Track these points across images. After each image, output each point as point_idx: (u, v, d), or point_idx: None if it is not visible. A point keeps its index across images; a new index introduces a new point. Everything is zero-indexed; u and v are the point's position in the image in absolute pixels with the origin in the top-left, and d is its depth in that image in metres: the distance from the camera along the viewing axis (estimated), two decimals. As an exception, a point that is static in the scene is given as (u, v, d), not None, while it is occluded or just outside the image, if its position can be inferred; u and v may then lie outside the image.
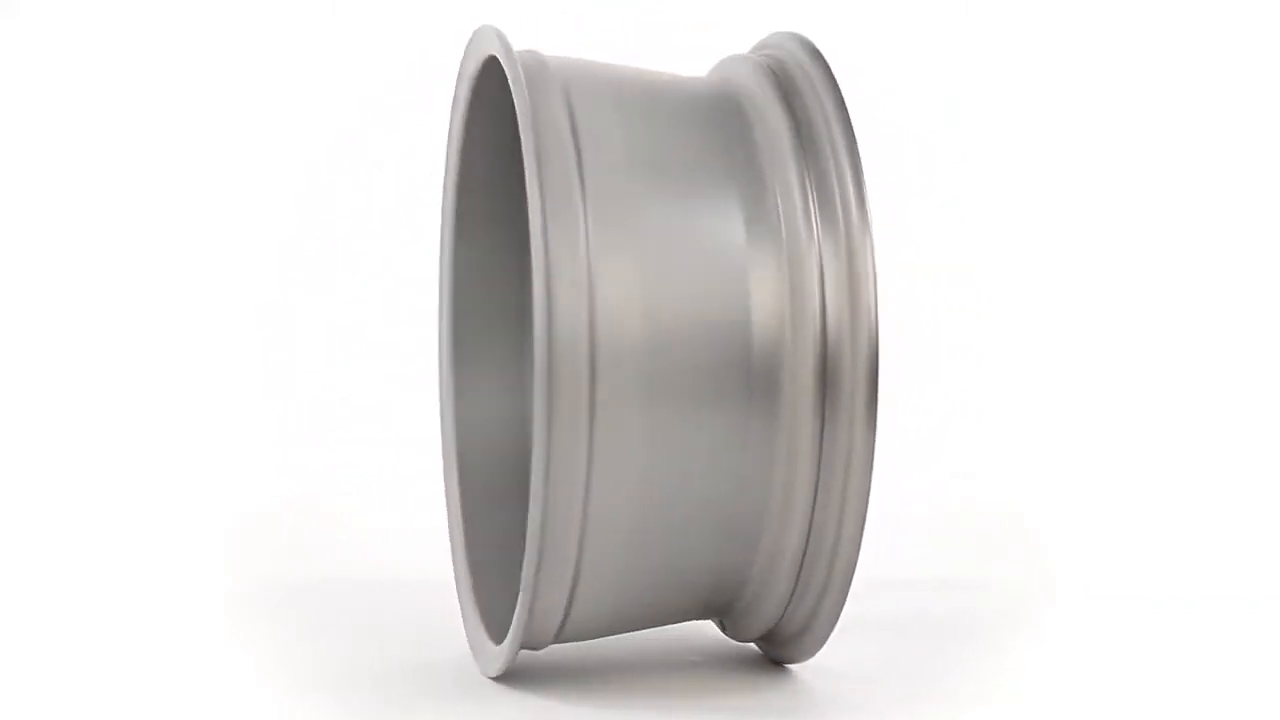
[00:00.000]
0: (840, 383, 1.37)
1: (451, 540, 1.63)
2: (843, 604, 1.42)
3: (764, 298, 1.38)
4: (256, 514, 2.15)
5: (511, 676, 1.50)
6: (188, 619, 1.72)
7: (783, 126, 1.43)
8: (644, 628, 1.51)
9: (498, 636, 1.50)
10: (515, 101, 1.41)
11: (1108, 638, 1.66)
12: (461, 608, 1.58)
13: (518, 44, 1.53)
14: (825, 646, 1.52)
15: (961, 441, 2.33)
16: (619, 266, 1.37)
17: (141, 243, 2.59)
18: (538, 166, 1.38)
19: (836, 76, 1.42)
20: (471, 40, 1.56)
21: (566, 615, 1.44)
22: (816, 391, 1.37)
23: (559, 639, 1.48)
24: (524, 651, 1.52)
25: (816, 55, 1.46)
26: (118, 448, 2.36)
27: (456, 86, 1.59)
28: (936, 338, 2.46)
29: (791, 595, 1.45)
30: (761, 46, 1.54)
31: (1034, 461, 2.33)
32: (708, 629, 1.63)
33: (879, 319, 1.37)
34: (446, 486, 1.66)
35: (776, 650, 1.52)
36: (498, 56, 1.47)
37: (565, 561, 1.39)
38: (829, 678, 1.53)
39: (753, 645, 1.58)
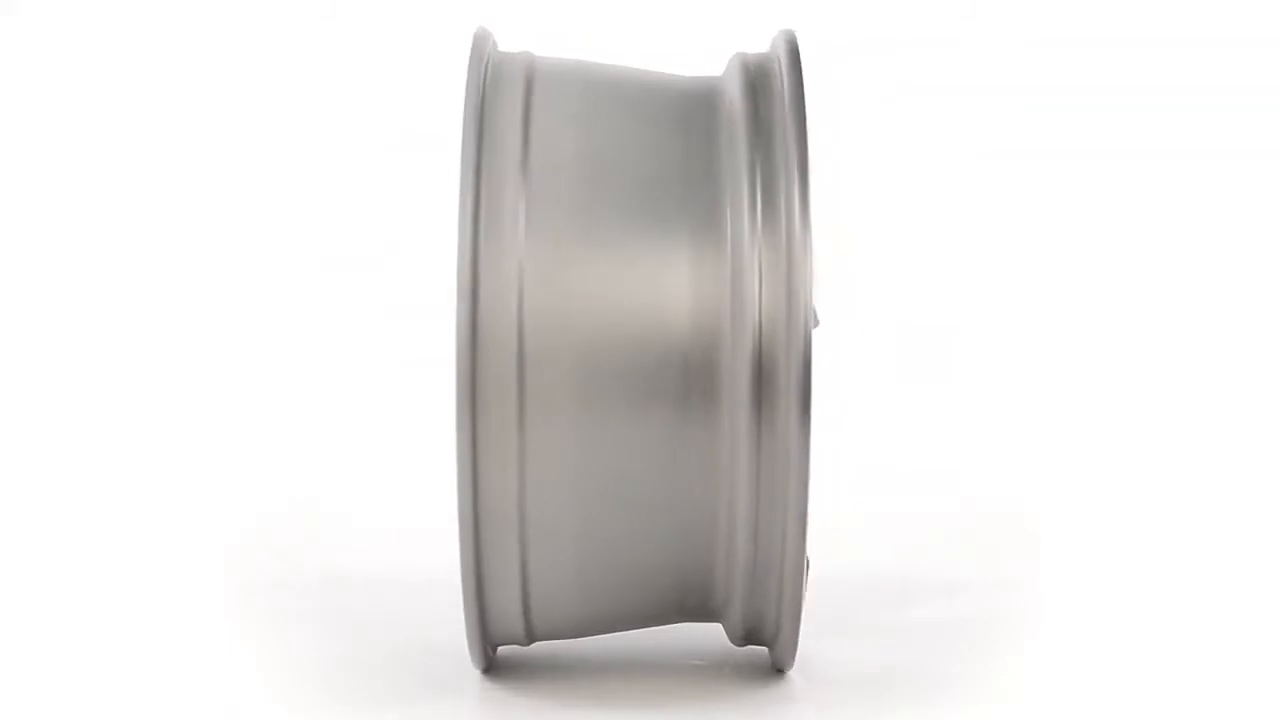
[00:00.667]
0: (775, 387, 1.36)
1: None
2: (798, 608, 1.41)
3: (705, 301, 1.37)
4: (257, 514, 2.15)
5: (512, 676, 1.51)
6: (189, 619, 1.72)
7: (743, 129, 1.43)
8: (633, 628, 1.51)
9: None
10: (464, 99, 1.43)
11: (1107, 638, 1.66)
12: (464, 604, 1.59)
13: (528, 43, 1.55)
14: (825, 647, 1.53)
15: (961, 442, 2.33)
16: (553, 265, 1.38)
17: (145, 243, 2.59)
18: (475, 158, 1.40)
19: (804, 77, 1.42)
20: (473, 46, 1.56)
21: (528, 614, 1.45)
22: (752, 396, 1.36)
23: (538, 636, 1.49)
24: (522, 649, 1.53)
25: (794, 55, 1.45)
26: (120, 448, 2.36)
27: (467, 93, 1.57)
28: (937, 338, 2.46)
29: (751, 600, 1.45)
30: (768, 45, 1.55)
31: (1033, 461, 2.33)
32: (716, 631, 1.62)
33: (811, 322, 1.36)
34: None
35: (769, 654, 1.52)
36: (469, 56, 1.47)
37: (508, 561, 1.41)
38: (828, 677, 1.53)
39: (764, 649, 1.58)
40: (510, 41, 1.58)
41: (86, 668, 1.56)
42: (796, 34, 1.48)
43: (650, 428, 1.37)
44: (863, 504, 1.93)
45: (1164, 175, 2.65)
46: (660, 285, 1.37)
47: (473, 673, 1.52)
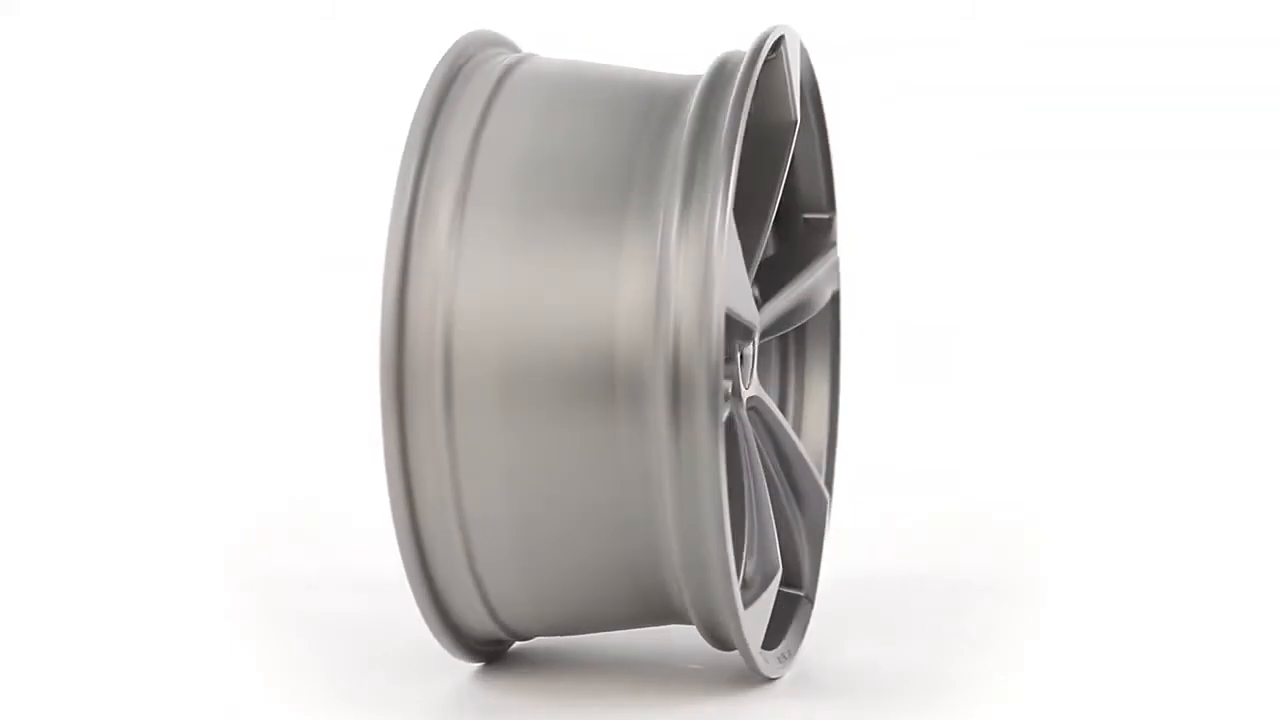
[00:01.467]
0: (691, 387, 1.35)
1: None
2: (734, 609, 1.39)
3: (633, 302, 1.37)
4: (257, 514, 2.16)
5: (513, 676, 1.51)
6: (189, 618, 1.72)
7: (689, 130, 1.42)
8: (615, 628, 1.52)
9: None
10: (418, 102, 1.45)
11: (1107, 638, 1.66)
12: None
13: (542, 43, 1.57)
14: (826, 648, 1.53)
15: (961, 442, 2.33)
16: (484, 265, 1.39)
17: (146, 243, 2.59)
18: (418, 159, 1.42)
19: (753, 78, 1.41)
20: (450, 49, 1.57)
21: (492, 610, 1.46)
22: (669, 396, 1.36)
23: (517, 632, 1.50)
24: (529, 643, 1.54)
25: (755, 54, 1.44)
26: (120, 449, 2.36)
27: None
28: (936, 339, 2.47)
29: (697, 601, 1.44)
30: None
31: (1033, 462, 2.33)
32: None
33: (722, 323, 1.35)
34: None
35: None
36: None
37: (454, 561, 1.42)
38: (828, 677, 1.53)
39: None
40: (527, 40, 1.59)
41: (87, 667, 1.56)
42: (779, 31, 1.47)
43: (579, 428, 1.37)
44: (862, 505, 1.93)
45: (1163, 175, 2.65)
46: (590, 286, 1.37)
47: (473, 673, 1.52)
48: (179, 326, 2.55)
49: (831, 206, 1.67)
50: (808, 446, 1.69)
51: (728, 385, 1.49)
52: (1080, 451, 2.37)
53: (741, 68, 1.42)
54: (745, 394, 1.52)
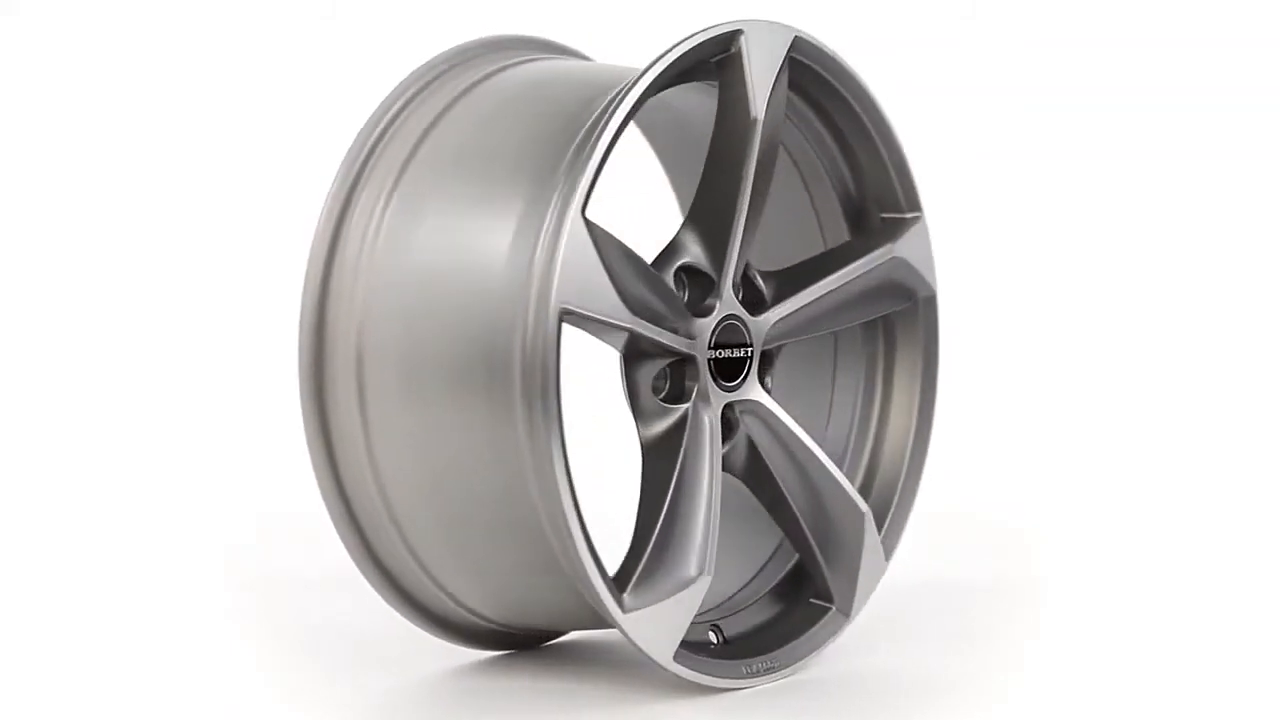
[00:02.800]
0: (528, 381, 1.37)
1: None
2: (604, 608, 1.40)
3: (511, 291, 1.38)
4: (257, 514, 2.16)
5: (514, 676, 1.51)
6: (189, 619, 1.72)
7: (585, 127, 1.43)
8: (554, 622, 1.54)
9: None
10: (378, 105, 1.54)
11: (1107, 639, 1.66)
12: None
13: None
14: (825, 648, 1.53)
15: (959, 443, 2.33)
16: (394, 259, 1.45)
17: (146, 243, 2.59)
18: (359, 160, 1.50)
19: (657, 69, 1.41)
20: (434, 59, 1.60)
21: (454, 599, 1.51)
22: (523, 389, 1.37)
23: (492, 619, 1.53)
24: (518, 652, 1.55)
25: (669, 48, 1.44)
26: (121, 450, 2.36)
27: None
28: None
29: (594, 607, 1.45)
30: None
31: (1032, 463, 2.33)
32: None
33: (559, 319, 1.36)
34: None
35: None
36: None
37: (394, 550, 1.49)
38: (828, 676, 1.53)
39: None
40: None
41: (86, 668, 1.56)
42: (724, 28, 1.46)
43: (467, 417, 1.40)
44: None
45: (1163, 175, 2.65)
46: (478, 277, 1.39)
47: (473, 672, 1.53)
48: (179, 327, 2.55)
49: (911, 206, 1.62)
50: (889, 451, 1.67)
51: (681, 386, 1.49)
52: (1080, 453, 2.37)
53: (651, 62, 1.42)
54: (725, 397, 1.50)
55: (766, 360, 1.57)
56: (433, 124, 1.51)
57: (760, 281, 1.57)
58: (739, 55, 1.47)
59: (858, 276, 1.58)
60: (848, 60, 1.56)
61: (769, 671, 1.52)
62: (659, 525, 1.45)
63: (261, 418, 2.39)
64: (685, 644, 1.46)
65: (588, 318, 1.38)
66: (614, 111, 1.38)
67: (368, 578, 1.52)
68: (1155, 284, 2.62)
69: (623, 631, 1.41)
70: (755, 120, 1.48)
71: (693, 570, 1.46)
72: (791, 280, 1.57)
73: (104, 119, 2.61)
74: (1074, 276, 2.62)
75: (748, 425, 1.54)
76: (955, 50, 2.67)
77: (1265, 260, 2.63)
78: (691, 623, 1.49)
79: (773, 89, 1.49)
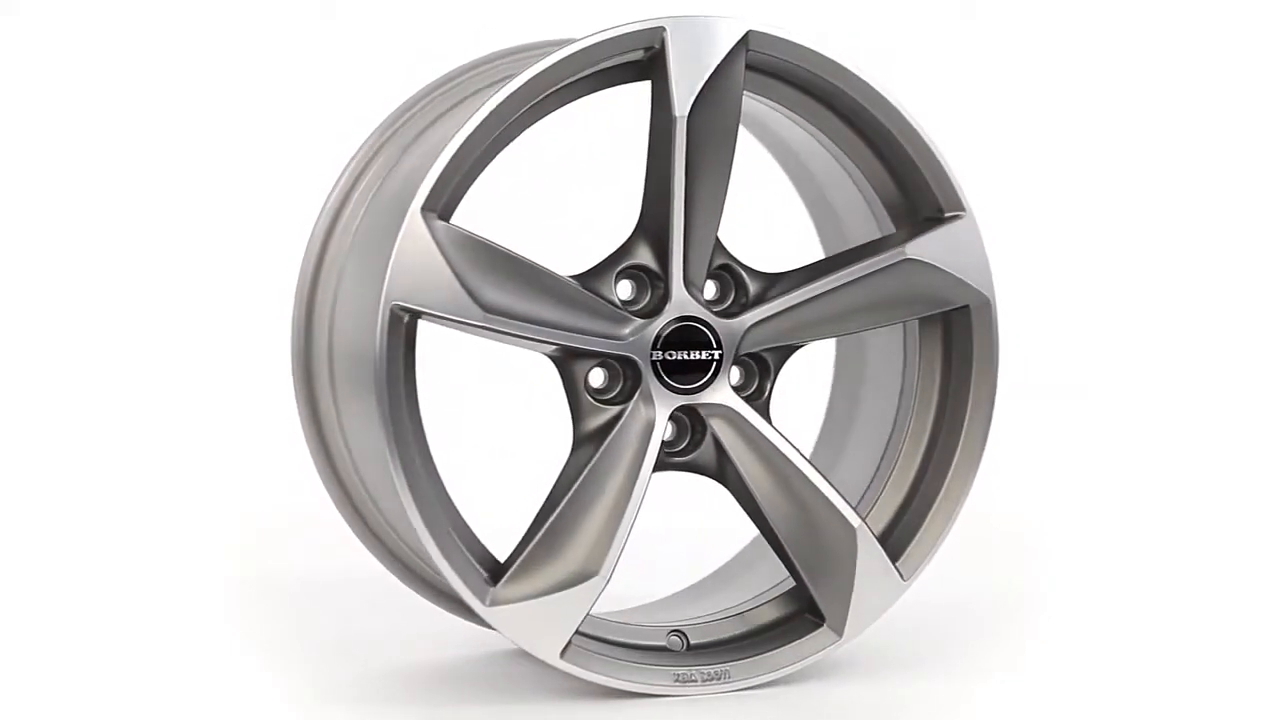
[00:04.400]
0: (360, 375, 1.44)
1: None
2: (470, 604, 1.43)
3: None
4: (258, 515, 2.16)
5: (512, 677, 1.51)
6: (190, 620, 1.72)
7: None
8: None
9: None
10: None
11: (1106, 639, 1.66)
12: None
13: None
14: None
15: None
16: (355, 259, 1.55)
17: (146, 243, 2.59)
18: (364, 159, 1.61)
19: (537, 70, 1.42)
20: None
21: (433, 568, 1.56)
22: (374, 383, 1.41)
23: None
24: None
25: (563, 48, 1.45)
26: (122, 451, 2.36)
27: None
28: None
29: None
30: None
31: (1032, 465, 2.33)
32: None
33: (389, 316, 1.39)
34: None
35: None
36: None
37: (379, 522, 1.58)
38: (828, 676, 1.53)
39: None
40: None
41: (87, 668, 1.56)
42: (627, 27, 1.45)
43: (365, 417, 1.43)
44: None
45: (1163, 175, 2.65)
46: (378, 275, 1.41)
47: (471, 673, 1.53)
48: (180, 329, 2.54)
49: (950, 205, 1.53)
50: (934, 466, 1.57)
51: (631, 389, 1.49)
52: (1081, 455, 2.37)
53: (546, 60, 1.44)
54: (676, 400, 1.48)
55: (757, 362, 1.54)
56: (428, 128, 1.55)
57: (749, 282, 1.53)
58: (663, 53, 1.45)
59: (862, 279, 1.52)
60: (840, 55, 1.50)
61: (712, 680, 1.49)
62: (551, 519, 1.45)
63: (261, 417, 2.39)
64: (638, 647, 1.48)
65: (428, 315, 1.40)
66: (474, 112, 1.40)
67: (368, 546, 1.60)
68: (1154, 284, 2.62)
69: (487, 624, 1.42)
70: (677, 119, 1.45)
71: (581, 567, 1.45)
72: (784, 283, 1.53)
73: (104, 119, 2.61)
74: (1073, 277, 2.62)
75: (717, 429, 1.51)
76: (954, 50, 2.67)
77: (1264, 263, 2.63)
78: (653, 626, 1.50)
79: (705, 86, 1.46)
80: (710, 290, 1.52)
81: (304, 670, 1.55)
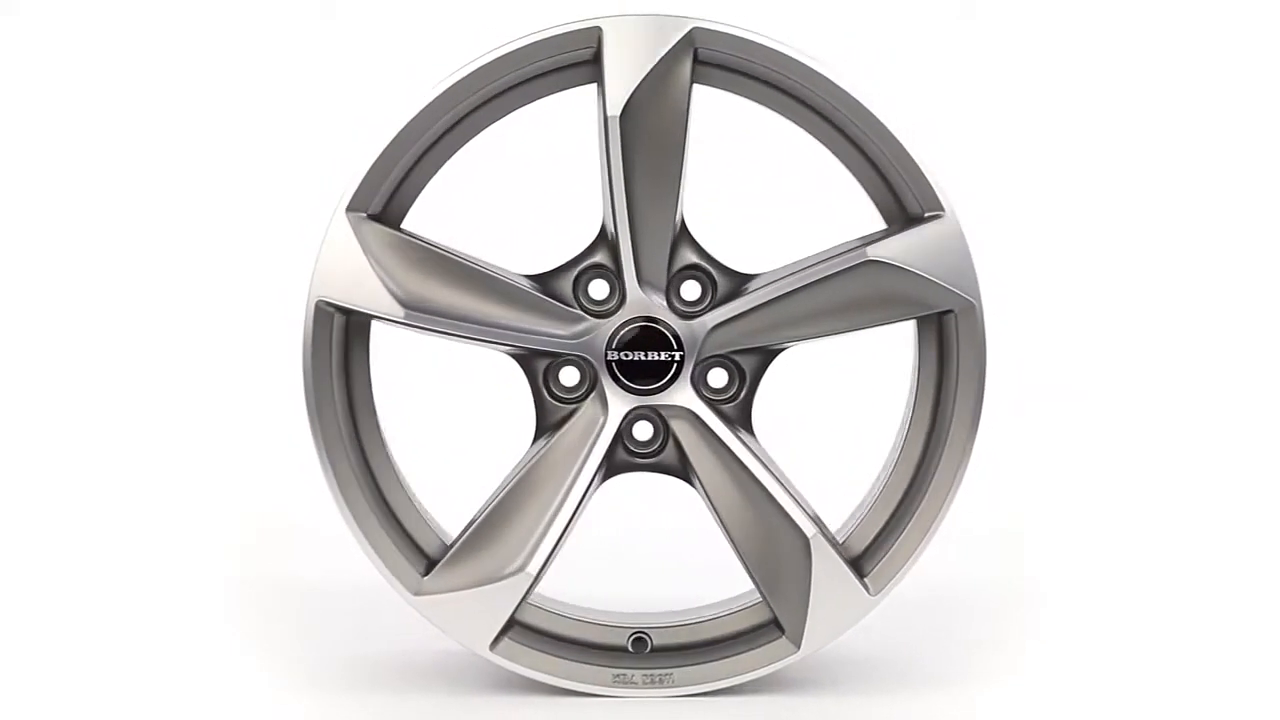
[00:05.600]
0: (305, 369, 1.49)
1: None
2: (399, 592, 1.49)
3: None
4: (258, 516, 2.16)
5: (509, 679, 1.51)
6: (192, 621, 1.72)
7: None
8: None
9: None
10: None
11: (1106, 640, 1.66)
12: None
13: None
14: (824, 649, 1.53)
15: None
16: None
17: (146, 244, 2.59)
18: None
19: (464, 74, 1.45)
20: None
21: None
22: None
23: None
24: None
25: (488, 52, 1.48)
26: (122, 452, 2.36)
27: None
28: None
29: None
30: None
31: (1032, 466, 2.33)
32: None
33: (315, 311, 1.45)
34: None
35: None
36: None
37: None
38: (829, 676, 1.53)
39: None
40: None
41: (86, 669, 1.56)
42: (561, 29, 1.45)
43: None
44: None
45: (1162, 175, 2.65)
46: None
47: (473, 670, 1.53)
48: (180, 331, 2.54)
49: (928, 205, 1.47)
50: (918, 476, 1.52)
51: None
52: (1081, 455, 2.37)
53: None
54: (632, 400, 1.48)
55: (735, 365, 1.51)
56: None
57: (721, 283, 1.51)
58: (600, 54, 1.45)
59: (824, 280, 1.47)
60: (797, 50, 1.46)
61: (652, 684, 1.49)
62: (485, 514, 1.47)
63: (261, 422, 2.39)
64: (588, 644, 1.49)
65: (355, 312, 1.44)
66: (420, 106, 1.44)
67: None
68: (1153, 284, 2.62)
69: (417, 610, 1.46)
70: (610, 119, 1.45)
71: (509, 563, 1.46)
72: (755, 284, 1.50)
73: (104, 119, 2.61)
74: (1071, 277, 2.62)
75: (678, 431, 1.50)
76: (954, 49, 2.67)
77: (1264, 264, 2.63)
78: (612, 626, 1.51)
79: (640, 86, 1.44)
80: (693, 291, 1.51)
81: (302, 669, 1.55)
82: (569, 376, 1.50)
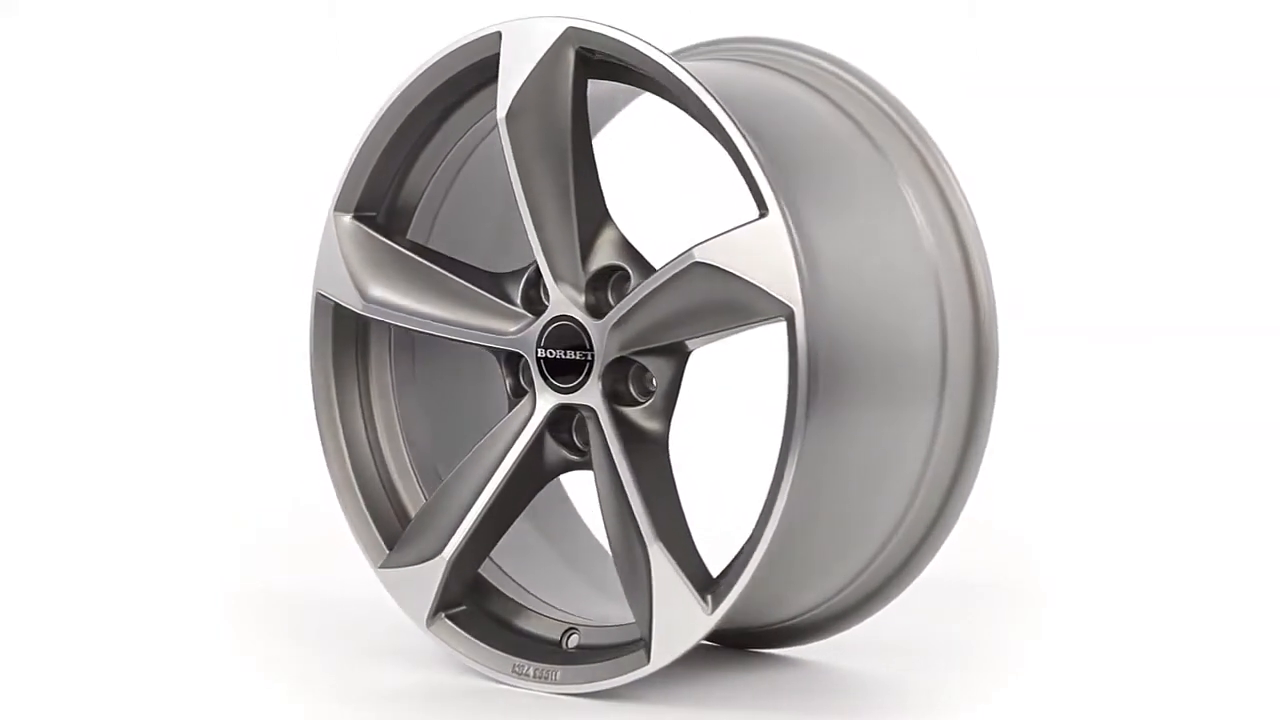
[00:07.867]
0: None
1: None
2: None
3: None
4: (258, 517, 2.16)
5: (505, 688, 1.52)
6: (193, 622, 1.72)
7: None
8: None
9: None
10: None
11: (1106, 640, 1.66)
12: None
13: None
14: (824, 649, 1.53)
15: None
16: None
17: (148, 245, 2.59)
18: None
19: (412, 79, 1.51)
20: None
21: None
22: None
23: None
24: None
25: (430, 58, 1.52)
26: (123, 453, 2.36)
27: None
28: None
29: None
30: None
31: (1032, 467, 2.33)
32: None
33: (314, 305, 1.56)
34: None
35: None
36: None
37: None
38: (829, 678, 1.53)
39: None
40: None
41: (87, 668, 1.56)
42: (476, 34, 1.46)
43: None
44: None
45: (1164, 175, 2.65)
46: None
47: (472, 673, 1.53)
48: (181, 332, 2.55)
49: (759, 205, 1.35)
50: None
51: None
52: (1081, 456, 2.37)
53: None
54: (555, 398, 1.47)
55: (638, 365, 1.46)
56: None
57: (633, 281, 1.46)
58: (498, 58, 1.45)
59: (669, 281, 1.39)
60: (650, 47, 1.40)
61: (540, 679, 1.47)
62: (433, 497, 1.55)
63: (261, 423, 2.39)
64: (520, 633, 1.53)
65: (338, 303, 1.55)
66: (371, 120, 1.52)
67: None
68: (1152, 284, 2.62)
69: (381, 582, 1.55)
70: (499, 121, 1.44)
71: (433, 546, 1.52)
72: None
73: (104, 119, 2.61)
74: (1070, 277, 2.62)
75: (591, 429, 1.47)
76: (955, 49, 2.67)
77: (1264, 265, 2.63)
78: (554, 620, 1.54)
79: (523, 87, 1.43)
80: (622, 291, 1.48)
81: (302, 672, 1.55)
82: (524, 374, 1.51)
